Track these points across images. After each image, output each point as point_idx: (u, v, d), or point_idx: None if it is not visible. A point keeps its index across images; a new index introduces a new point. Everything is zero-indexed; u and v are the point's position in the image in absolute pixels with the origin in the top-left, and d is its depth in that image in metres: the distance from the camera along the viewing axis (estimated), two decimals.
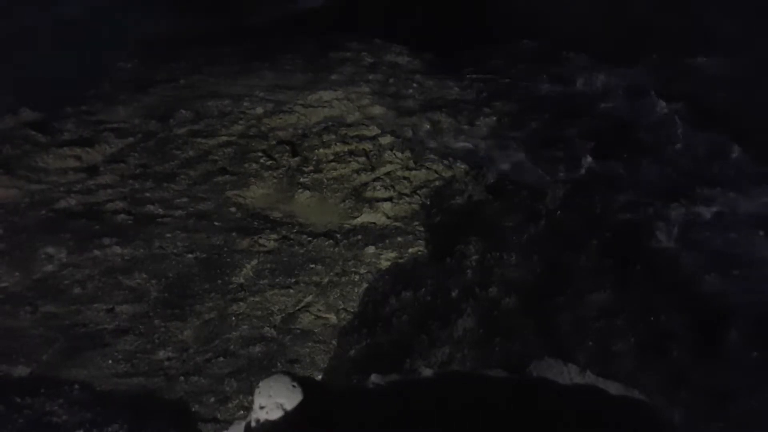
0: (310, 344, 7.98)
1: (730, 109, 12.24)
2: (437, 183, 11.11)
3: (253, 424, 3.50)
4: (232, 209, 10.32)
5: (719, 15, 15.96)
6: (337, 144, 11.90)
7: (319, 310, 8.51)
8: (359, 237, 9.84)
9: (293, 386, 3.50)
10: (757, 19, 15.23)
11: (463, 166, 11.50)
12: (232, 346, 7.87)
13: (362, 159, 11.57)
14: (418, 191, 10.86)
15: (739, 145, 11.17)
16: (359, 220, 10.22)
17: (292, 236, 9.80)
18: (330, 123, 12.70)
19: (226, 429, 4.35)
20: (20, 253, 9.03)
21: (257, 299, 8.62)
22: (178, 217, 10.02)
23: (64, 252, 9.10)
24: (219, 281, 8.85)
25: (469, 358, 7.13)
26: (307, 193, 10.77)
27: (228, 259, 9.24)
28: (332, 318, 8.41)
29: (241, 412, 6.92)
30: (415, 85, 14.74)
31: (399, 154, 11.67)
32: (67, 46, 14.96)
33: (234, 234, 9.70)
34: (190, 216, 10.09)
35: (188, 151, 11.72)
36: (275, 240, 9.68)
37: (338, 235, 9.89)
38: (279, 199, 10.77)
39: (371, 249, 9.52)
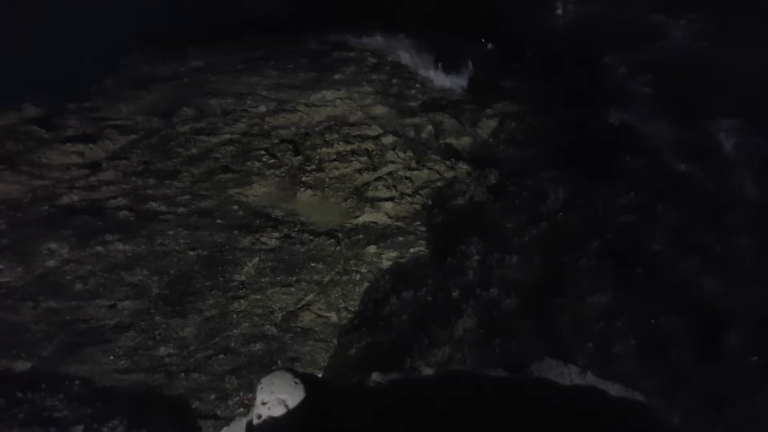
0: (310, 342, 8.00)
1: (733, 108, 12.21)
2: (439, 183, 11.13)
3: (255, 420, 3.50)
4: (234, 207, 10.34)
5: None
6: (340, 143, 11.92)
7: (320, 309, 8.53)
8: (361, 236, 9.86)
9: (295, 383, 3.51)
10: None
11: (465, 167, 11.52)
12: (232, 344, 7.89)
13: (364, 158, 11.59)
14: (419, 191, 10.89)
15: (741, 145, 11.16)
16: (361, 220, 10.24)
17: (293, 235, 9.81)
18: (332, 122, 12.72)
19: (227, 426, 4.36)
20: (22, 249, 9.05)
21: (258, 297, 8.64)
22: (180, 215, 10.05)
23: (66, 248, 9.12)
24: (220, 279, 8.87)
25: (469, 358, 7.14)
26: (309, 191, 10.78)
27: (229, 257, 9.26)
28: (333, 317, 8.43)
29: (241, 409, 6.95)
30: (417, 85, 14.76)
31: (401, 154, 11.69)
32: (70, 43, 14.96)
33: (236, 232, 9.72)
34: (192, 213, 10.11)
35: (191, 148, 11.74)
36: (277, 238, 9.70)
37: (340, 234, 9.91)
38: (281, 197, 10.78)
39: (372, 248, 9.54)
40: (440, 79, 15.16)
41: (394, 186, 10.90)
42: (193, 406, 7.04)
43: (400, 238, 9.77)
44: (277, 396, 3.47)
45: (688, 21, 16.93)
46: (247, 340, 7.92)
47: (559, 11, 18.62)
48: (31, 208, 9.91)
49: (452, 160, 11.72)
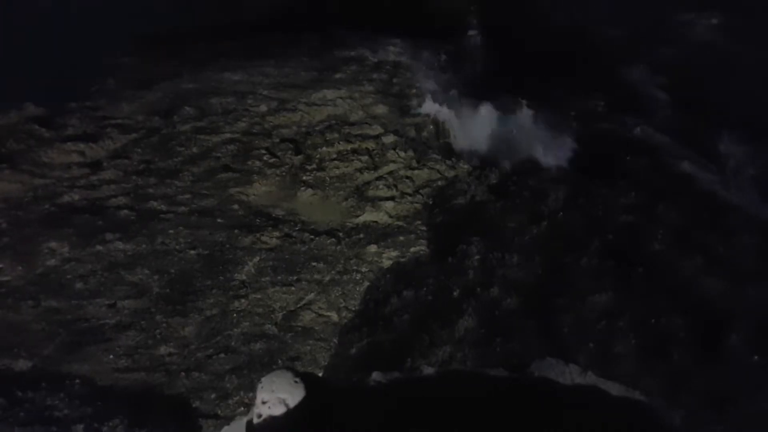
0: (311, 342, 8.01)
1: (733, 108, 12.18)
2: (440, 183, 11.13)
3: (255, 419, 3.49)
4: (235, 206, 10.34)
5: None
6: (341, 142, 11.92)
7: (321, 308, 8.54)
8: (361, 235, 9.86)
9: (296, 382, 3.50)
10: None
11: (465, 166, 11.53)
12: (233, 343, 7.89)
13: (365, 158, 11.59)
14: (420, 191, 10.89)
15: (742, 146, 11.16)
16: (361, 219, 10.24)
17: (294, 234, 9.81)
18: (333, 121, 12.71)
19: (227, 425, 4.34)
20: (23, 248, 9.05)
21: (259, 296, 8.64)
22: (180, 214, 10.04)
23: (67, 247, 9.12)
24: (221, 278, 8.87)
25: (469, 358, 7.14)
26: (310, 191, 10.79)
27: (230, 256, 9.26)
28: (333, 316, 8.43)
29: (242, 408, 6.95)
30: (418, 84, 14.73)
31: (402, 154, 11.70)
32: (71, 42, 14.95)
33: (236, 231, 9.72)
34: (193, 212, 10.10)
35: (191, 147, 11.74)
36: (277, 237, 9.70)
37: (340, 234, 9.92)
38: (282, 196, 10.78)
39: (373, 248, 9.55)
40: (442, 78, 15.13)
41: (395, 185, 10.90)
42: (194, 405, 7.04)
43: (401, 238, 9.77)
44: (277, 395, 3.46)
45: (699, 22, 16.90)
46: (247, 340, 7.93)
47: (566, 9, 18.51)
48: (32, 207, 9.91)
49: (453, 159, 11.73)
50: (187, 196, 10.46)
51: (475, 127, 13.03)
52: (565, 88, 14.53)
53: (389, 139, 12.11)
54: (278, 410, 3.43)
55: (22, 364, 7.30)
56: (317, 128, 12.46)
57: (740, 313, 7.62)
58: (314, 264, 9.19)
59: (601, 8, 18.00)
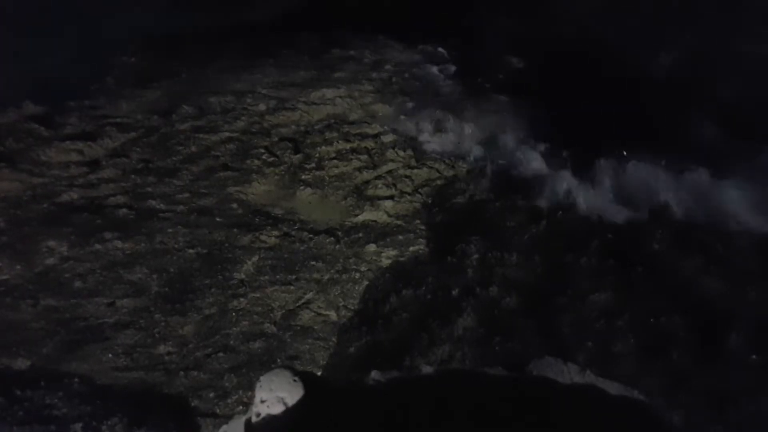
0: (310, 341, 7.99)
1: (733, 109, 12.17)
2: (439, 182, 11.12)
3: (253, 418, 3.49)
4: (234, 205, 10.33)
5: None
6: (340, 141, 11.91)
7: (320, 307, 8.52)
8: (360, 235, 9.85)
9: (294, 380, 3.50)
10: None
11: (465, 166, 11.52)
12: (232, 342, 7.88)
13: (364, 157, 11.58)
14: (419, 190, 10.88)
15: (742, 146, 11.14)
16: (360, 218, 10.23)
17: (293, 233, 9.80)
18: (332, 120, 12.70)
19: (226, 424, 4.34)
20: (22, 246, 9.03)
21: (258, 295, 8.62)
22: (179, 213, 10.03)
23: (66, 245, 9.10)
24: (220, 277, 8.85)
25: (469, 357, 7.13)
26: (309, 190, 10.77)
27: (229, 255, 9.25)
28: (332, 315, 8.42)
29: (241, 407, 6.93)
30: (418, 83, 14.73)
31: (401, 153, 11.69)
32: (71, 41, 14.95)
33: (235, 230, 9.71)
34: (192, 211, 10.09)
35: (190, 146, 11.72)
36: (276, 236, 9.69)
37: (339, 233, 9.90)
38: (280, 195, 10.77)
39: (372, 247, 9.53)
40: (442, 77, 15.13)
41: (394, 184, 10.90)
42: (193, 404, 7.03)
43: (400, 237, 9.76)
44: (276, 394, 3.46)
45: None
46: (246, 339, 7.92)
47: (576, 9, 18.40)
48: (31, 206, 9.90)
49: (452, 158, 11.71)
50: (186, 195, 10.45)
51: (475, 125, 13.02)
52: (567, 88, 14.51)
53: (388, 138, 12.11)
54: (277, 409, 3.43)
55: (21, 363, 7.29)
56: (316, 127, 12.46)
57: (740, 313, 7.62)
58: (313, 263, 9.18)
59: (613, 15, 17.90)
